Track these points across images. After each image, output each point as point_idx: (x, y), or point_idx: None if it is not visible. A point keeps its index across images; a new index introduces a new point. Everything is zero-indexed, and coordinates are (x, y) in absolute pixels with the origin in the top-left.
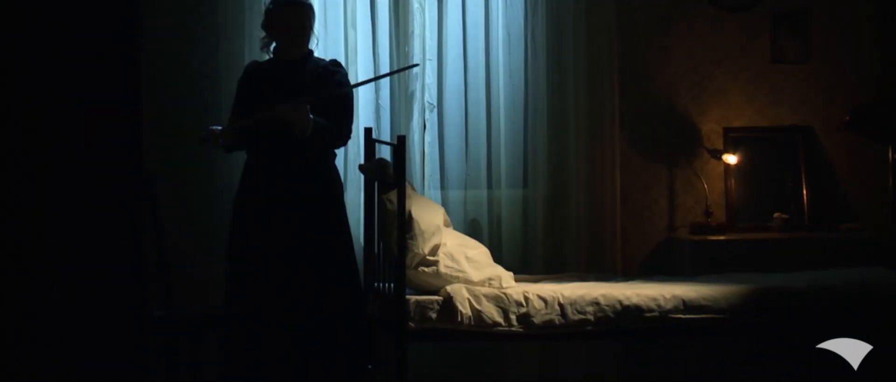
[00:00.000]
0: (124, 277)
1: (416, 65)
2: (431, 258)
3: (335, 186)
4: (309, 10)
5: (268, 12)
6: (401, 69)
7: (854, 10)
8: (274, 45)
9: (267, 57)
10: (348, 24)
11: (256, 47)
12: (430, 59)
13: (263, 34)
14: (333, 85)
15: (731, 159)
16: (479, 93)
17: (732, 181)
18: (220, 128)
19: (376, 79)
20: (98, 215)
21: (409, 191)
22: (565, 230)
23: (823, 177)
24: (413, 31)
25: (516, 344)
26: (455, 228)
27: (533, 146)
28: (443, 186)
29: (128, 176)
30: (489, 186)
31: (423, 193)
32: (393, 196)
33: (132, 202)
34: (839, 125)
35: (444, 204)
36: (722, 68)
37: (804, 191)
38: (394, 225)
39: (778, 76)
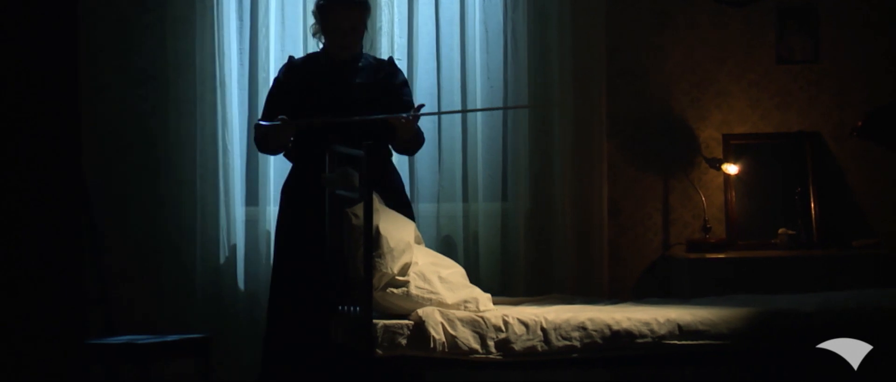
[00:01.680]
0: (60, 300)
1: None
2: (401, 278)
3: (404, 194)
4: (364, 11)
5: (319, 6)
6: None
7: (868, 4)
8: (323, 39)
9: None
10: (308, 17)
11: (208, 46)
12: (399, 59)
13: (314, 22)
14: (395, 89)
15: (732, 169)
16: (453, 95)
17: (733, 193)
18: (265, 123)
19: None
20: (30, 231)
21: (376, 204)
22: (549, 247)
23: (834, 188)
24: (380, 27)
25: (495, 373)
26: (427, 245)
27: (513, 155)
28: (413, 199)
29: (64, 187)
30: (465, 199)
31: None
32: (359, 210)
33: (69, 216)
34: (851, 131)
35: (415, 218)
36: (723, 69)
37: (813, 205)
38: (360, 242)
39: (784, 77)
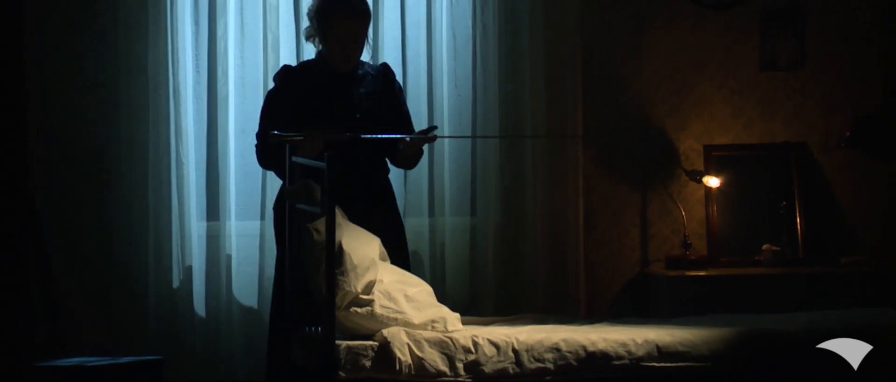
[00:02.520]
0: (5, 319)
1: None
2: (365, 297)
3: (397, 212)
4: (366, 20)
5: (319, 13)
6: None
7: (856, 8)
8: (319, 45)
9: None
10: (268, 22)
11: (161, 52)
12: (363, 62)
13: (309, 24)
14: (395, 99)
15: (713, 182)
16: (419, 104)
17: (715, 207)
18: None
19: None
20: None
21: (339, 218)
22: (520, 264)
23: (821, 201)
24: None
25: None
26: (392, 262)
27: (482, 167)
28: None
29: (10, 199)
30: (431, 213)
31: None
32: (321, 225)
33: (14, 231)
34: (839, 141)
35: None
36: (704, 75)
37: (798, 219)
38: (321, 259)
39: (768, 84)
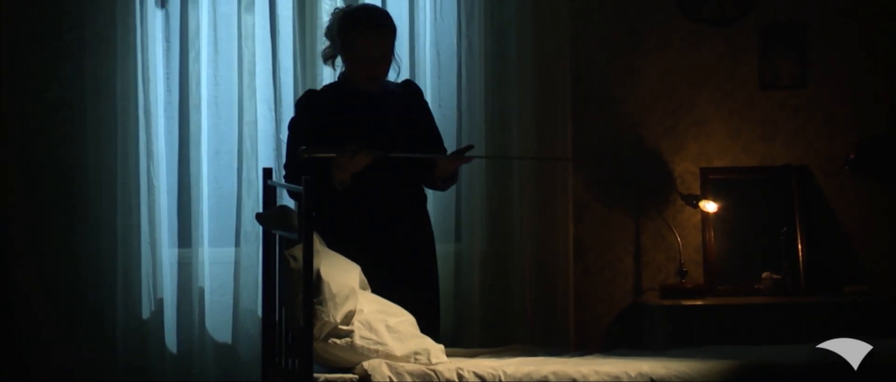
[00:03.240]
0: None
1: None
2: (345, 327)
3: (432, 244)
4: (392, 35)
5: (341, 32)
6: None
7: (861, 24)
8: (342, 68)
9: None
10: (243, 39)
11: (131, 70)
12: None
13: (328, 44)
14: (424, 118)
15: (710, 207)
16: None
17: (712, 233)
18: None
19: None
20: None
21: (317, 245)
22: (507, 294)
23: (824, 227)
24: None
25: None
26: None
27: (467, 190)
28: None
29: None
30: None
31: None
32: (298, 252)
33: None
34: (843, 164)
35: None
36: (701, 95)
37: (800, 246)
38: (299, 288)
39: (769, 104)
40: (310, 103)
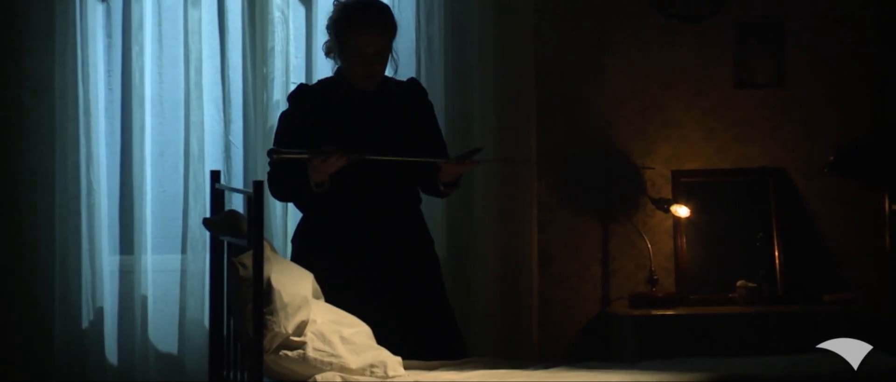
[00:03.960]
0: None
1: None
2: (297, 339)
3: (432, 246)
4: (389, 31)
5: (336, 26)
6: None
7: (841, 21)
8: (338, 61)
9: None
10: (190, 35)
11: (70, 67)
12: (294, 83)
13: (328, 38)
14: (427, 119)
15: (682, 211)
16: None
17: (684, 240)
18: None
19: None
20: None
21: (268, 252)
22: (468, 303)
23: (802, 233)
24: (273, 47)
25: None
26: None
27: (427, 196)
28: None
29: None
30: None
31: (285, 256)
32: (247, 259)
33: None
34: (822, 167)
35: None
36: (672, 94)
37: (777, 253)
38: (248, 297)
39: (744, 104)
40: (301, 98)
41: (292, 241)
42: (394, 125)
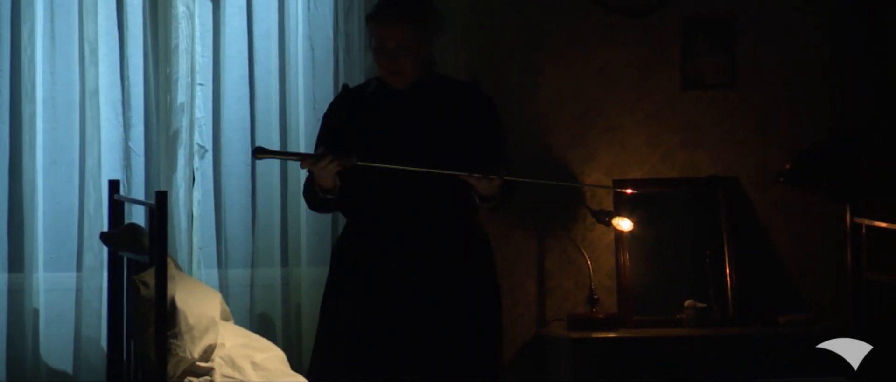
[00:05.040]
0: None
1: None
2: (203, 364)
3: (490, 255)
4: (414, 25)
5: (366, 20)
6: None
7: (798, 17)
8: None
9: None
10: (85, 31)
11: (36, 64)
12: (201, 84)
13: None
14: (482, 127)
15: (625, 224)
16: (270, 130)
17: (627, 256)
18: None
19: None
20: None
21: (172, 270)
22: None
23: (755, 249)
24: (177, 45)
25: None
26: (237, 322)
27: None
28: (220, 264)
29: None
30: (285, 264)
31: (192, 274)
32: (149, 277)
33: None
34: (778, 176)
35: (222, 288)
36: (614, 96)
37: (728, 270)
38: (150, 319)
39: (692, 107)
40: (340, 97)
41: (332, 253)
42: (428, 127)
